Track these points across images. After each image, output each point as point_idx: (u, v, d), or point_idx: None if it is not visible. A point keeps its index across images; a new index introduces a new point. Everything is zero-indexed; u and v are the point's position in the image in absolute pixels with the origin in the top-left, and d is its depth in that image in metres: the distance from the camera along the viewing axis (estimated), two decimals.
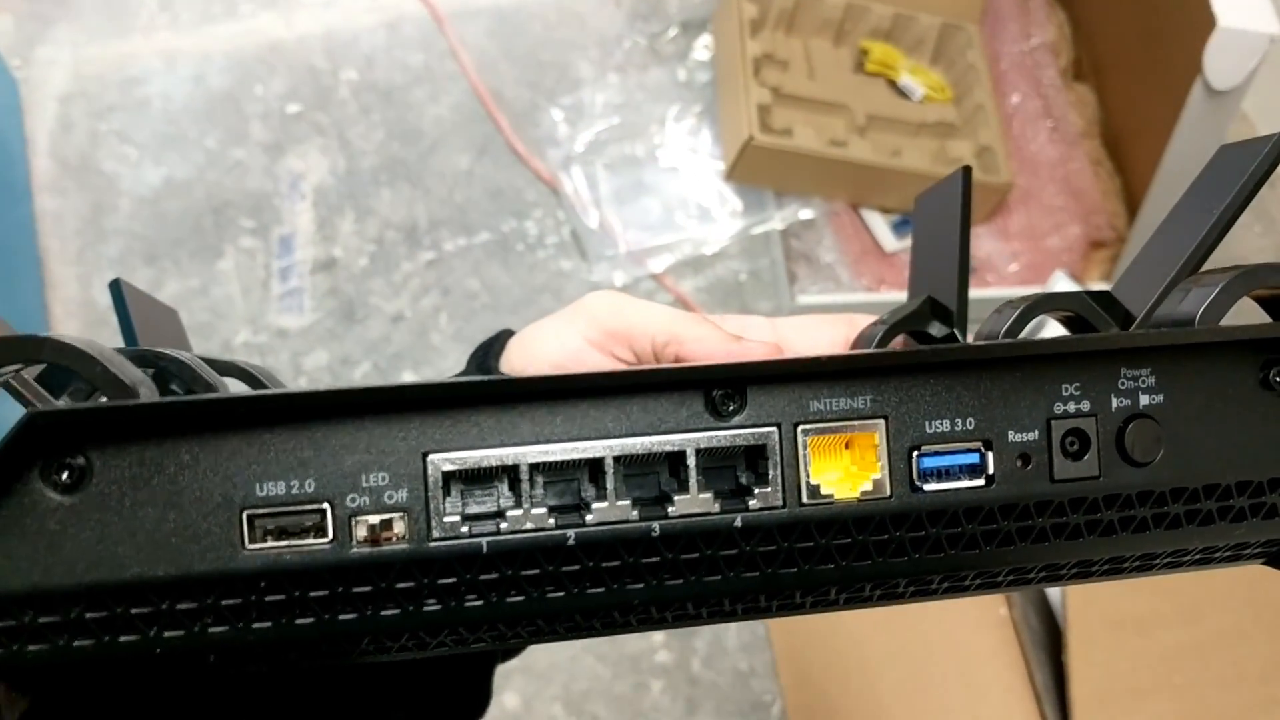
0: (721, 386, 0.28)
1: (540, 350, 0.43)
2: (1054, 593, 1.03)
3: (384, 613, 0.26)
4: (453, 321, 1.50)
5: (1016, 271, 1.51)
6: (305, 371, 1.45)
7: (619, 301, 0.41)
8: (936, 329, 0.36)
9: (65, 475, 0.25)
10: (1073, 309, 0.33)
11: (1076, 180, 1.55)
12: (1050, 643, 0.99)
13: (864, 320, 0.41)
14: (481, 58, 1.67)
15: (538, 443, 0.27)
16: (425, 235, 1.55)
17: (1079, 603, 0.95)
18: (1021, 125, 1.60)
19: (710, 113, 1.63)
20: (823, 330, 0.42)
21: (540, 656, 1.29)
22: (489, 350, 0.46)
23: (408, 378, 1.45)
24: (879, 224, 1.56)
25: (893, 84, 1.60)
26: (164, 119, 1.57)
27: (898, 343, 0.39)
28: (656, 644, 1.32)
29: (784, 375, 0.28)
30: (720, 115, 1.60)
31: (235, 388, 0.34)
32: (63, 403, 0.28)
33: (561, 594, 0.27)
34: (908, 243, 1.53)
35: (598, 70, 1.68)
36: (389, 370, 1.46)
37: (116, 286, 0.37)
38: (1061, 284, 1.32)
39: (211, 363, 0.33)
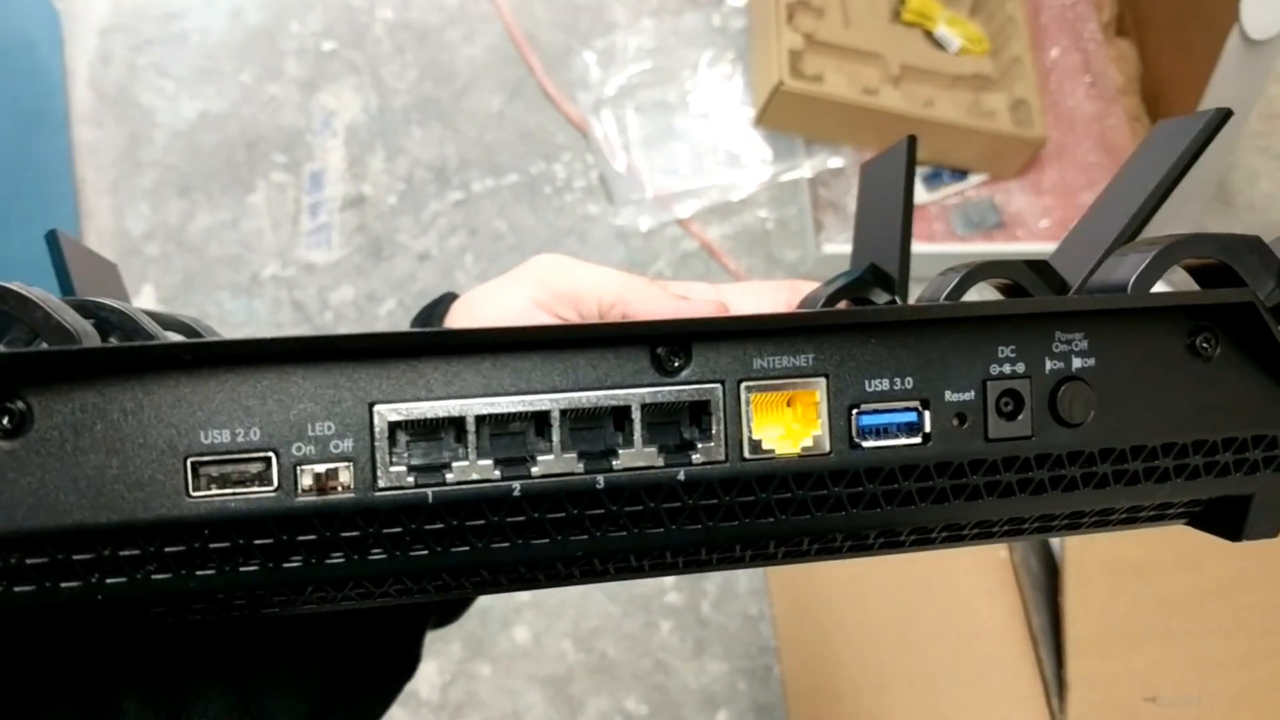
0: (668, 343, 0.28)
1: (486, 312, 0.43)
2: None
3: (329, 561, 0.27)
4: (478, 262, 1.51)
5: (1047, 227, 1.49)
6: (331, 306, 1.47)
7: (567, 263, 0.41)
8: (878, 296, 0.37)
9: (5, 420, 0.24)
10: (1010, 277, 0.34)
11: (1113, 136, 1.52)
12: (1049, 585, 0.99)
13: (807, 287, 0.41)
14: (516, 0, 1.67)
15: (484, 395, 0.27)
16: (454, 175, 1.56)
17: (1077, 545, 0.95)
18: (1059, 80, 1.57)
19: (743, 60, 1.62)
20: (765, 296, 0.43)
21: (550, 593, 1.31)
22: (432, 312, 0.46)
23: None
24: None
25: (929, 34, 1.57)
26: (201, 53, 1.59)
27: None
28: (667, 585, 1.34)
29: (729, 333, 0.28)
30: (751, 61, 1.59)
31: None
32: (0, 347, 0.27)
33: (506, 545, 0.28)
34: (938, 195, 1.51)
35: (632, 14, 1.67)
36: (413, 308, 1.48)
37: (53, 237, 0.36)
38: None
39: (152, 316, 0.33)
